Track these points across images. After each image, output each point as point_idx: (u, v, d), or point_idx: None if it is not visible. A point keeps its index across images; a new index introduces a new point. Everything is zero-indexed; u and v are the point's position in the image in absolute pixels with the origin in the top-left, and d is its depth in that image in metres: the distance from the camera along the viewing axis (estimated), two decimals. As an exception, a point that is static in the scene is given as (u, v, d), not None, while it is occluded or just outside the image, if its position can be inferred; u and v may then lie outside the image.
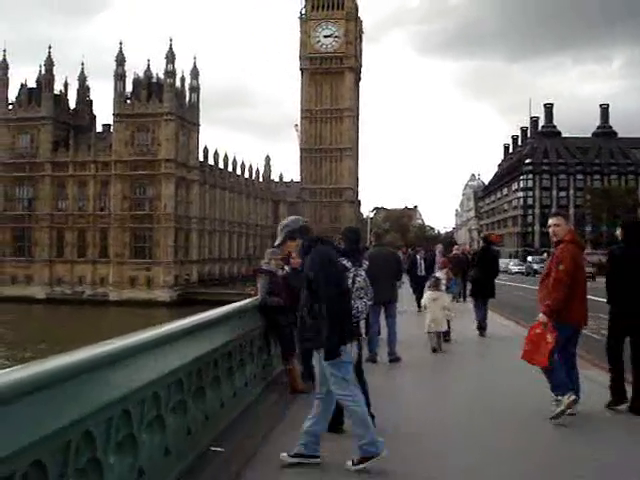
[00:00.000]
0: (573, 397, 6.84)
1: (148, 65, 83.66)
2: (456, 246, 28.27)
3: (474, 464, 5.64)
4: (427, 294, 13.28)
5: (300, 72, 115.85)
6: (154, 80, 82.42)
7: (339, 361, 5.38)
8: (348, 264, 6.46)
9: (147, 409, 4.56)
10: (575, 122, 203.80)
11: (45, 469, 3.27)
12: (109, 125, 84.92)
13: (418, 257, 21.58)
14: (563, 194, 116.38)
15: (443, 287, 14.15)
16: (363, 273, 6.65)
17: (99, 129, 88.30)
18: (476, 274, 15.12)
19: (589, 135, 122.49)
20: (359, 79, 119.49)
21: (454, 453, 5.98)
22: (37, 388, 3.20)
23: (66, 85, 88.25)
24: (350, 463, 5.38)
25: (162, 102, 79.39)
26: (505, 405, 7.89)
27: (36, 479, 3.22)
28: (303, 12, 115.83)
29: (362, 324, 11.09)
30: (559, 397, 6.92)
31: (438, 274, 16.09)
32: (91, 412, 3.69)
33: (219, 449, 5.85)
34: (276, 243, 5.92)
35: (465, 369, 11.36)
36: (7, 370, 3.25)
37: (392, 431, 6.33)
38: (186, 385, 5.40)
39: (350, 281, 6.39)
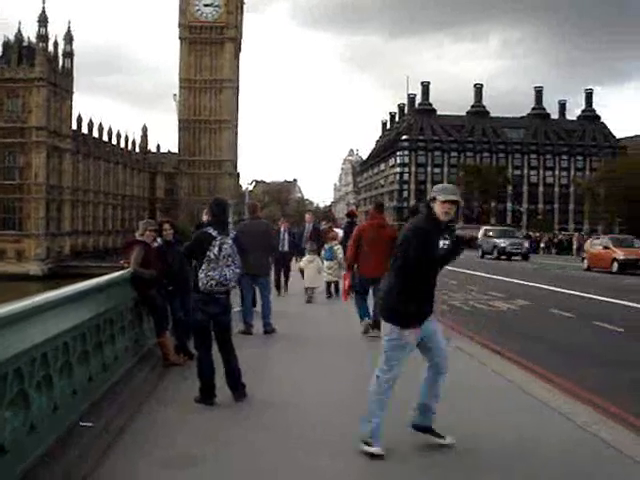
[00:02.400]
0: (368, 321, 11.03)
1: (19, 28, 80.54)
2: (323, 222, 27.71)
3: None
4: (305, 257, 17.29)
5: (179, 41, 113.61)
6: (25, 44, 79.21)
7: None
8: (214, 233, 6.75)
9: (9, 385, 4.41)
10: (452, 100, 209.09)
11: None
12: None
13: (282, 229, 18.25)
14: (437, 170, 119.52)
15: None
16: (230, 241, 6.86)
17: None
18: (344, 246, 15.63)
19: (464, 114, 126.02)
20: (240, 50, 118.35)
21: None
22: None
23: None
24: None
25: (34, 67, 76.44)
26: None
27: None
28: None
29: (237, 295, 11.24)
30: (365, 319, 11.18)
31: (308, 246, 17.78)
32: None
33: (89, 424, 5.75)
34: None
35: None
36: None
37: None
38: (51, 359, 5.25)
39: (217, 249, 6.69)
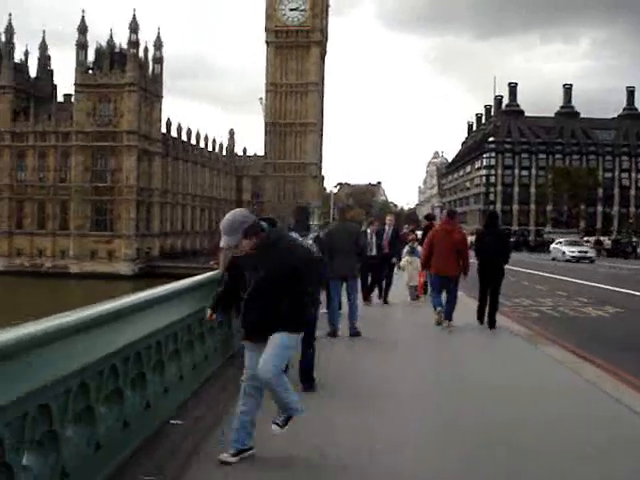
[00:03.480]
0: (439, 309, 12.58)
1: (111, 35, 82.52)
2: (406, 225, 26.62)
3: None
4: (405, 258, 17.31)
5: (265, 45, 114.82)
6: (117, 50, 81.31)
7: None
8: (295, 235, 6.92)
9: (105, 382, 4.54)
10: (540, 101, 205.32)
11: (1, 441, 3.25)
12: (70, 95, 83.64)
13: (369, 231, 16.44)
14: (525, 173, 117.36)
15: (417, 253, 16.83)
16: (310, 242, 7.29)
17: (60, 99, 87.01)
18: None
19: (552, 115, 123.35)
20: (325, 53, 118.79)
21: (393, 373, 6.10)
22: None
23: (27, 54, 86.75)
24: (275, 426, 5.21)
25: (125, 73, 78.38)
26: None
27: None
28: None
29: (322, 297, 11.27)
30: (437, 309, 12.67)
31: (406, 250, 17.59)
32: (48, 384, 3.66)
33: (178, 422, 5.86)
34: (228, 244, 5.09)
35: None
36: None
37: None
38: (145, 358, 5.38)
39: None
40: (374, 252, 16.11)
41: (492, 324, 12.51)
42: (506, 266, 12.74)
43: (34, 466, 3.63)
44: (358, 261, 11.86)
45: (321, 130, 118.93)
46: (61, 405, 3.86)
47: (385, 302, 16.68)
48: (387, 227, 17.54)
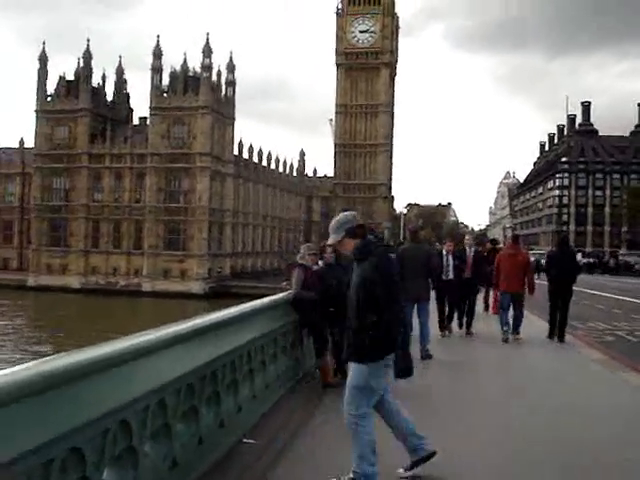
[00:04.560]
0: (505, 328, 13.50)
1: (185, 59, 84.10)
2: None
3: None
4: None
5: (336, 67, 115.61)
6: (191, 74, 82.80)
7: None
8: None
9: (182, 399, 4.62)
10: (614, 120, 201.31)
11: (83, 456, 3.34)
12: (145, 118, 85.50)
13: (444, 252, 14.51)
14: (599, 193, 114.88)
15: None
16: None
17: (136, 122, 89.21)
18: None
19: (627, 134, 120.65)
20: (394, 74, 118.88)
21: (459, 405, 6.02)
22: (77, 377, 3.28)
23: (104, 78, 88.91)
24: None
25: (198, 96, 79.75)
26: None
27: (75, 465, 3.30)
28: (339, 7, 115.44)
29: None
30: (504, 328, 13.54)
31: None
32: (128, 402, 3.76)
33: (252, 441, 5.91)
34: (333, 240, 5.37)
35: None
36: (47, 358, 3.33)
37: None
38: (220, 377, 5.46)
39: None
40: (451, 275, 14.15)
41: (561, 338, 13.53)
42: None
43: (113, 481, 3.72)
44: (430, 283, 11.79)
45: (391, 151, 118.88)
46: (140, 422, 3.95)
47: (468, 333, 14.63)
48: (467, 248, 15.29)
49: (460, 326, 14.89)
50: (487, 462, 5.69)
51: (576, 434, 6.59)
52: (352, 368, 5.01)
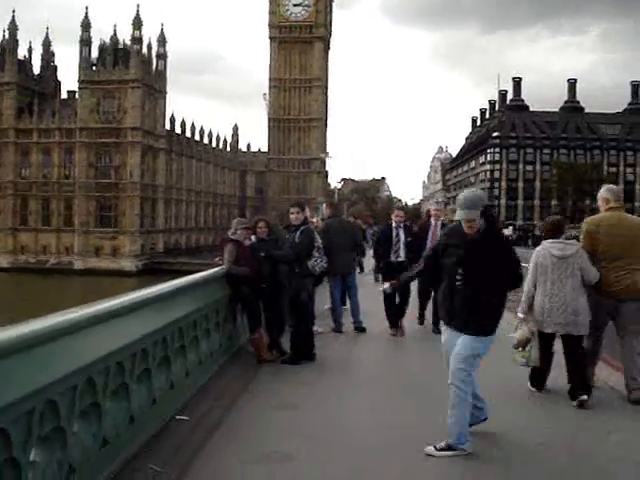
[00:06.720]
0: None
1: (114, 31, 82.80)
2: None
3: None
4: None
5: (269, 41, 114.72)
6: (120, 46, 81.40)
7: None
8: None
9: (112, 378, 4.55)
10: (545, 96, 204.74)
11: (9, 437, 3.26)
12: (74, 92, 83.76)
13: (393, 224, 11.04)
14: (530, 168, 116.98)
15: None
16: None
17: (64, 96, 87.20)
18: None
19: (557, 110, 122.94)
20: (329, 48, 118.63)
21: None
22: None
23: (30, 50, 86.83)
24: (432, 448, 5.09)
25: (128, 69, 78.51)
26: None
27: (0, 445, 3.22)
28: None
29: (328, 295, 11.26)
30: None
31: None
32: (55, 380, 3.68)
33: (185, 418, 5.87)
34: (467, 216, 5.05)
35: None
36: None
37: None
38: (151, 354, 5.40)
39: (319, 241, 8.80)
40: (402, 256, 10.87)
41: None
42: None
43: (41, 461, 3.65)
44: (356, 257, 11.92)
45: (325, 126, 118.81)
46: (68, 401, 3.88)
47: (421, 323, 11.68)
48: (433, 221, 11.41)
49: (420, 320, 11.69)
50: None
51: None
52: (472, 339, 5.13)
